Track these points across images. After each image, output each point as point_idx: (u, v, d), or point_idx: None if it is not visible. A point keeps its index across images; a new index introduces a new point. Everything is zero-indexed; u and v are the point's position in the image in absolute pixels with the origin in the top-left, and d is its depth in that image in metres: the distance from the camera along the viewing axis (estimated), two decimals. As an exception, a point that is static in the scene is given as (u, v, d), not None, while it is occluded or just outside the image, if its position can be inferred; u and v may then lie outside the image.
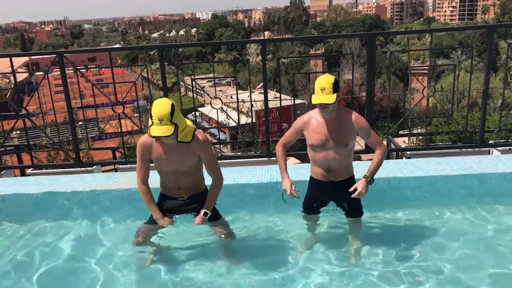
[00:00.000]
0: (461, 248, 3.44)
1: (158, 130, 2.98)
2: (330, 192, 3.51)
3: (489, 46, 4.85)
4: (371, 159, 3.47)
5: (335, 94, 3.20)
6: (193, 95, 5.28)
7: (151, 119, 3.00)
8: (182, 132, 3.17)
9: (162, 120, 2.98)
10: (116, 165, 6.11)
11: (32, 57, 43.43)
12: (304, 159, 6.18)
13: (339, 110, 3.35)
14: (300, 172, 4.34)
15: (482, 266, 3.23)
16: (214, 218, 3.48)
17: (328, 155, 3.38)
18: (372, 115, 5.13)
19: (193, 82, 5.34)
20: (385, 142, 5.92)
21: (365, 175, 3.33)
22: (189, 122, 3.30)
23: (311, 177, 3.61)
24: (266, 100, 5.17)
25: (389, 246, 3.48)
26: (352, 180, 3.50)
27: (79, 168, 5.86)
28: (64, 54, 5.18)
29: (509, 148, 5.41)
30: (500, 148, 5.36)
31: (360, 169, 3.53)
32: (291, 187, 3.41)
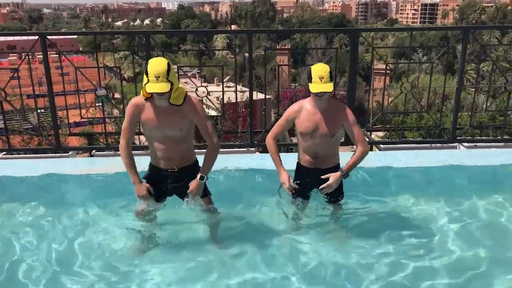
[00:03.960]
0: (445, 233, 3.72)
1: (155, 86, 2.98)
2: (315, 179, 3.60)
3: (463, 47, 5.14)
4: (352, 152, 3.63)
5: (332, 82, 3.30)
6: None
7: (147, 77, 2.99)
8: (174, 93, 3.15)
9: (159, 77, 2.97)
10: (93, 151, 6.06)
11: (9, 38, 41.34)
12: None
13: (329, 101, 3.48)
14: (285, 160, 4.47)
15: (460, 249, 3.49)
16: (204, 193, 3.47)
17: (315, 143, 3.51)
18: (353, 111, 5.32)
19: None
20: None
21: (341, 169, 3.49)
22: (180, 85, 3.28)
23: (298, 163, 3.72)
24: (251, 91, 5.28)
25: (374, 230, 3.71)
26: (337, 169, 3.63)
27: (54, 154, 5.77)
28: (47, 36, 5.08)
29: (475, 145, 5.78)
30: (466, 144, 5.71)
31: (347, 158, 3.68)
32: (289, 180, 3.53)
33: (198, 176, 3.33)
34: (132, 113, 3.26)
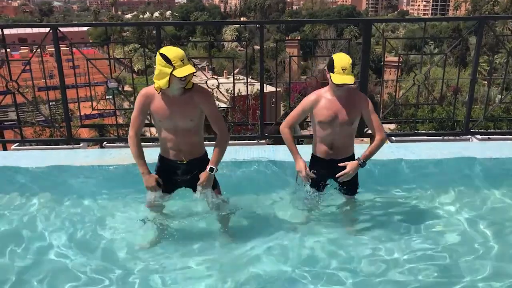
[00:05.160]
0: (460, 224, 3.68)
1: (187, 69, 2.98)
2: (330, 169, 3.55)
3: (479, 38, 5.06)
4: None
5: (353, 74, 3.23)
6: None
7: (171, 64, 2.96)
8: None
9: (183, 60, 2.98)
10: (104, 143, 6.09)
11: (20, 31, 41.75)
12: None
13: (348, 89, 3.38)
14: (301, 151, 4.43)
15: (473, 243, 3.45)
16: (213, 185, 3.43)
17: (333, 132, 3.45)
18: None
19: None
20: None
21: (358, 158, 3.42)
22: None
23: (312, 154, 3.68)
24: (262, 83, 5.25)
25: (386, 223, 3.68)
26: (352, 159, 3.58)
27: (65, 145, 5.81)
28: (59, 28, 5.09)
29: (488, 137, 5.70)
30: (479, 137, 5.64)
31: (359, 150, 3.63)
32: (306, 168, 3.49)
33: (208, 167, 3.30)
34: (142, 102, 3.23)
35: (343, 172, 3.39)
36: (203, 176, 3.31)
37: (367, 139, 5.50)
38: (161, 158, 3.44)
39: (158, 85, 3.09)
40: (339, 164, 3.43)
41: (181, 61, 2.96)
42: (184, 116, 3.19)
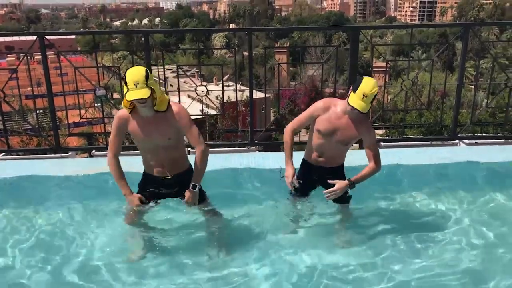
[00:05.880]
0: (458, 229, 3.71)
1: (135, 93, 2.91)
2: (319, 176, 3.59)
3: (464, 44, 5.12)
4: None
5: (370, 104, 3.21)
6: (178, 82, 5.30)
7: (127, 86, 2.94)
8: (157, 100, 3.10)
9: (138, 84, 2.91)
10: (93, 151, 6.04)
11: (7, 38, 41.60)
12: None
13: (359, 114, 3.32)
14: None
15: (464, 248, 3.48)
16: (201, 199, 3.43)
17: (327, 144, 3.46)
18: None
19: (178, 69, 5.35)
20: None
21: (349, 179, 3.42)
22: (166, 96, 3.21)
23: (303, 159, 3.70)
24: (251, 90, 5.25)
25: (378, 231, 3.68)
26: (341, 169, 3.62)
27: (53, 154, 5.75)
28: (46, 36, 5.06)
29: (476, 142, 5.77)
30: (467, 141, 5.70)
31: (358, 155, 3.61)
32: (293, 175, 3.48)
33: (190, 185, 3.29)
34: (118, 125, 3.23)
35: (331, 190, 3.39)
36: (187, 194, 3.31)
37: (356, 145, 5.53)
38: (145, 174, 3.44)
39: (124, 103, 3.09)
40: (329, 181, 3.43)
41: (134, 84, 2.91)
42: (161, 135, 3.17)
